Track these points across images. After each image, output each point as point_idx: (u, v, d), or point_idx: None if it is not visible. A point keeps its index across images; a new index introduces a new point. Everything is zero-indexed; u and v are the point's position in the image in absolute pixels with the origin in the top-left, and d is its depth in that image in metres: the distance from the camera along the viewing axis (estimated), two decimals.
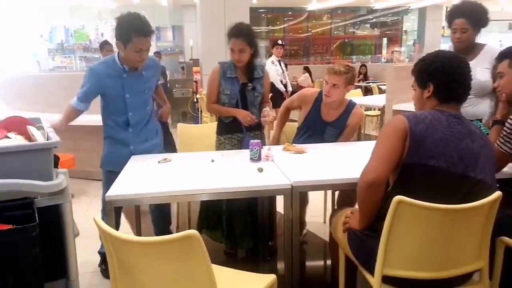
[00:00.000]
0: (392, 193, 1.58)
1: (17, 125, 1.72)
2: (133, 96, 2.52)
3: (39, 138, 1.59)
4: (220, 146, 2.89)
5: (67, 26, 17.80)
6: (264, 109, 2.76)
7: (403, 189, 1.55)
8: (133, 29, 2.31)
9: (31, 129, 1.64)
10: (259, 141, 2.40)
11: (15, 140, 1.59)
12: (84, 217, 3.35)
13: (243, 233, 2.83)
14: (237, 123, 2.78)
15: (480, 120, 2.55)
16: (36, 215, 1.43)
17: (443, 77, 1.66)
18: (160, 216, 2.82)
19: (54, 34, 17.87)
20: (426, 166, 1.56)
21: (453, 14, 2.60)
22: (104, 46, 6.07)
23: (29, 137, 1.66)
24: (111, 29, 18.40)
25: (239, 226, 2.82)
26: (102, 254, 2.72)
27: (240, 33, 2.65)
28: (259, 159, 2.37)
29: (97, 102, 2.62)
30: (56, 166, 1.72)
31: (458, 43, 2.60)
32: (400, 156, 1.60)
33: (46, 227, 1.50)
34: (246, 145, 2.59)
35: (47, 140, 1.62)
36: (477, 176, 1.58)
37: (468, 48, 2.60)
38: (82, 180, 4.61)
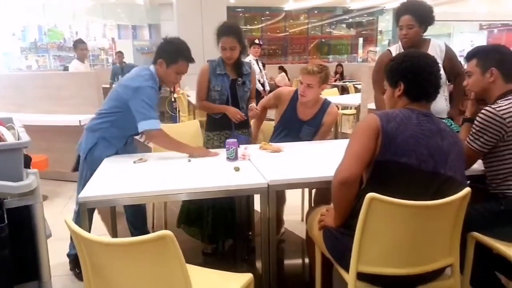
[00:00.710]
0: (365, 190, 1.61)
1: None
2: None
3: (9, 138, 1.55)
4: (208, 142, 2.95)
5: (40, 25, 17.39)
6: (251, 104, 2.88)
7: (376, 187, 1.58)
8: (182, 53, 2.46)
9: (1, 129, 1.60)
10: (235, 140, 2.41)
11: None
12: (58, 219, 3.26)
13: (224, 228, 2.84)
14: (227, 119, 2.85)
15: (451, 119, 2.62)
16: (5, 216, 1.39)
17: (413, 76, 1.70)
18: (136, 216, 2.78)
19: (27, 32, 17.43)
20: (397, 163, 1.60)
21: (399, 12, 2.69)
22: (78, 44, 5.97)
23: None
24: (85, 28, 18.12)
25: (220, 221, 2.82)
26: (72, 256, 2.67)
27: (231, 31, 2.75)
28: (235, 158, 2.37)
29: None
30: (27, 166, 1.68)
31: (405, 39, 2.68)
32: (373, 154, 1.63)
33: (16, 228, 1.47)
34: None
35: (18, 140, 1.58)
36: (447, 173, 1.62)
37: (415, 45, 2.68)
38: (56, 181, 4.52)
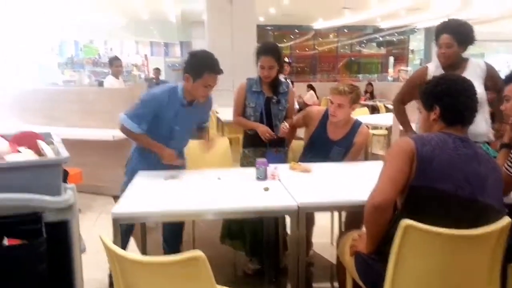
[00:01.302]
0: (399, 216, 1.57)
1: (28, 139, 1.74)
2: (182, 128, 2.60)
3: (49, 153, 1.60)
4: (244, 159, 3.01)
5: (76, 40, 18.09)
6: (282, 123, 2.91)
7: (410, 212, 1.54)
8: (206, 66, 2.43)
9: (42, 144, 1.66)
10: (265, 160, 2.41)
11: (26, 155, 1.60)
12: (90, 233, 3.33)
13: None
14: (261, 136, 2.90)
15: (489, 144, 2.54)
16: (44, 230, 1.43)
17: (449, 99, 1.66)
18: (172, 234, 2.81)
19: (63, 48, 18.16)
20: (433, 189, 1.55)
21: (439, 30, 2.64)
22: (114, 61, 6.16)
23: (39, 152, 1.68)
24: (120, 44, 18.73)
25: (260, 236, 2.84)
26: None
27: (270, 51, 2.83)
28: (265, 178, 2.37)
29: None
30: (65, 181, 1.73)
31: (444, 58, 2.63)
32: (407, 178, 1.60)
33: (52, 243, 1.50)
34: (269, 159, 2.68)
35: (57, 155, 1.63)
36: (485, 200, 1.56)
37: (453, 64, 2.63)
38: (89, 194, 4.62)
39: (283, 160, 2.94)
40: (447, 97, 1.67)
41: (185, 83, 2.49)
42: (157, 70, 10.14)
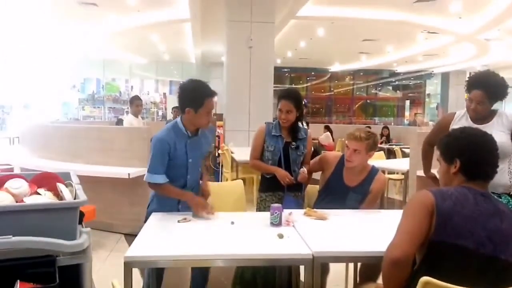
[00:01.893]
0: (418, 272, 1.52)
1: (48, 181, 1.77)
2: (194, 160, 2.61)
3: (67, 196, 1.62)
4: (261, 203, 3.00)
5: (99, 78, 18.70)
6: (302, 169, 2.92)
7: (429, 269, 1.49)
8: (204, 93, 2.48)
9: (60, 187, 1.68)
10: (280, 205, 2.39)
11: (44, 197, 1.62)
12: (99, 273, 3.32)
13: None
14: (279, 181, 2.90)
15: (510, 195, 2.48)
16: (57, 274, 1.42)
17: (470, 154, 1.65)
18: (199, 275, 2.77)
19: (86, 85, 18.76)
20: (453, 245, 1.51)
21: (472, 84, 2.59)
22: (135, 100, 6.29)
23: (58, 194, 1.70)
24: (140, 83, 19.26)
25: (272, 284, 2.78)
26: None
27: (289, 96, 2.90)
28: (279, 223, 2.34)
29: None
30: (80, 222, 1.74)
31: (474, 113, 2.60)
32: (427, 233, 1.56)
33: (65, 286, 1.49)
34: (287, 204, 2.71)
35: (75, 197, 1.65)
36: (508, 259, 1.51)
37: (483, 117, 2.62)
38: (101, 231, 4.61)
39: (301, 205, 2.92)
40: (468, 152, 1.65)
41: (185, 116, 2.52)
42: (177, 109, 10.27)
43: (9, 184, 1.64)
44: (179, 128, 2.56)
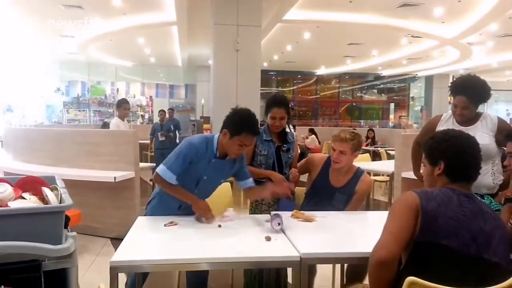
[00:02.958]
0: (404, 272, 1.55)
1: (33, 185, 1.75)
2: (209, 178, 2.58)
3: (53, 201, 1.60)
4: (257, 207, 3.01)
5: (84, 81, 18.51)
6: (292, 169, 2.98)
7: (415, 269, 1.52)
8: (247, 126, 2.44)
9: (46, 191, 1.66)
10: (278, 213, 2.37)
11: (29, 201, 1.60)
12: (85, 277, 3.28)
13: None
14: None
15: (491, 196, 2.53)
16: (43, 279, 1.41)
17: (454, 156, 1.68)
18: (196, 283, 2.73)
19: (71, 88, 18.55)
20: (438, 245, 1.54)
21: (456, 90, 2.64)
22: (123, 104, 6.23)
23: (43, 198, 1.68)
24: (126, 86, 19.13)
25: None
26: None
27: (281, 103, 2.95)
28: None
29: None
30: (66, 226, 1.72)
31: (460, 118, 2.65)
32: (412, 234, 1.58)
33: None
34: (282, 206, 2.77)
35: (60, 202, 1.63)
36: (491, 259, 1.54)
37: (468, 120, 2.66)
38: (86, 236, 4.56)
39: (294, 207, 2.93)
40: (451, 154, 1.68)
41: (222, 137, 2.50)
42: (171, 111, 10.23)
43: None
44: (212, 143, 2.54)
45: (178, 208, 2.60)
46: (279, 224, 2.25)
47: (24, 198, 1.63)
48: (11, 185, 1.71)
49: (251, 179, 2.69)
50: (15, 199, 1.62)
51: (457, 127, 2.58)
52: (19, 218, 1.45)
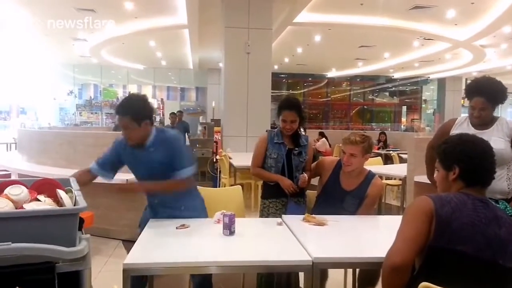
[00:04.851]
0: (418, 277, 1.53)
1: (48, 187, 1.77)
2: (139, 169, 2.62)
3: (67, 203, 1.61)
4: (264, 210, 3.03)
5: (96, 84, 18.72)
6: (302, 174, 2.94)
7: (429, 275, 1.50)
8: (116, 107, 2.51)
9: (60, 193, 1.68)
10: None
11: (43, 204, 1.62)
12: (97, 280, 3.30)
13: None
14: (282, 188, 2.94)
15: (507, 200, 2.50)
16: (56, 281, 1.42)
17: (469, 161, 1.66)
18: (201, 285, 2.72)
19: (84, 91, 18.77)
20: (453, 251, 1.52)
21: (472, 92, 2.60)
22: None
23: (57, 200, 1.70)
24: (137, 88, 19.30)
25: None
26: None
27: (292, 106, 2.94)
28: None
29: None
30: (80, 228, 1.74)
31: (478, 120, 2.62)
32: (426, 239, 1.56)
33: None
34: (290, 210, 2.80)
35: (75, 204, 1.64)
36: (506, 264, 1.51)
37: (485, 123, 2.62)
38: (99, 237, 4.59)
39: (304, 211, 2.92)
40: (466, 159, 1.66)
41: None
42: (173, 115, 10.29)
43: (8, 190, 1.64)
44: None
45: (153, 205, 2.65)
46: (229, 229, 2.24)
47: (39, 200, 1.65)
48: (27, 187, 1.73)
49: (181, 172, 2.50)
50: (31, 201, 1.64)
51: (472, 130, 2.55)
52: (34, 220, 1.46)
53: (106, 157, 2.60)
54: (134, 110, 2.42)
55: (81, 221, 1.78)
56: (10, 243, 1.38)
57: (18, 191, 1.64)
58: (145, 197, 2.71)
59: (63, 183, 1.89)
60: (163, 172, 2.50)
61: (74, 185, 1.90)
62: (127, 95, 2.69)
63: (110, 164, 2.60)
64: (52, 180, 1.82)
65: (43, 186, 1.77)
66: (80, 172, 2.56)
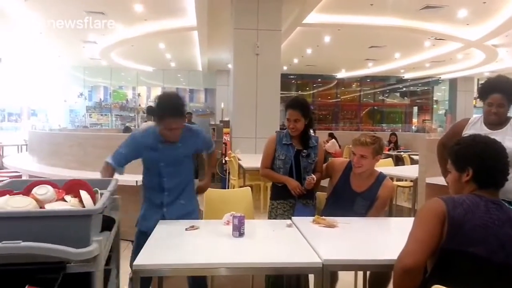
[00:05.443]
0: (430, 280, 1.51)
1: (77, 188, 1.80)
2: (166, 164, 2.64)
3: (87, 204, 1.64)
4: (272, 211, 3.02)
5: (106, 86, 18.87)
6: (310, 176, 2.90)
7: (441, 277, 1.48)
8: (165, 110, 2.50)
9: (83, 194, 1.72)
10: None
11: (67, 204, 1.65)
12: None
13: None
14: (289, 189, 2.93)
15: None
16: (63, 281, 1.42)
17: (483, 163, 1.63)
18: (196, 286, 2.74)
19: (94, 93, 18.93)
20: (465, 253, 1.49)
21: (490, 89, 2.60)
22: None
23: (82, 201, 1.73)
24: (146, 90, 19.43)
25: None
26: None
27: (296, 105, 2.92)
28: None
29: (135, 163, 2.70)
30: (109, 228, 1.81)
31: (495, 117, 2.59)
32: (438, 241, 1.54)
33: None
34: (298, 211, 2.79)
35: (94, 205, 1.66)
36: None
37: (501, 122, 2.61)
38: None
39: (312, 212, 2.90)
40: (479, 160, 1.64)
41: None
42: (189, 115, 10.32)
43: (36, 190, 1.69)
44: (154, 132, 2.65)
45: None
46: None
47: (65, 200, 1.68)
48: (58, 188, 1.79)
49: (211, 148, 2.95)
50: (57, 201, 1.68)
51: (486, 130, 2.53)
52: (46, 220, 1.49)
53: (121, 153, 2.63)
54: (185, 109, 2.61)
55: (111, 221, 1.82)
56: (20, 242, 1.40)
57: (44, 191, 1.69)
58: (154, 195, 2.73)
59: (100, 185, 1.96)
60: (186, 164, 2.73)
61: (112, 187, 1.99)
62: (166, 94, 2.71)
63: (125, 160, 2.65)
64: (81, 181, 1.86)
65: (73, 187, 1.81)
66: (109, 171, 2.61)
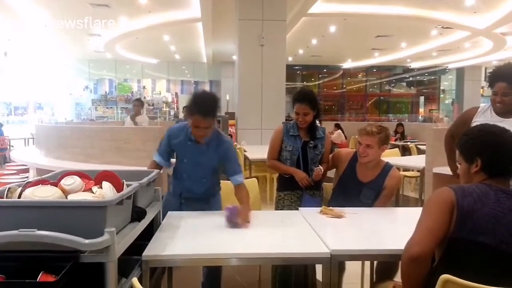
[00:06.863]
0: (438, 269, 1.50)
1: (105, 179, 1.82)
2: (188, 162, 2.70)
3: (107, 196, 1.66)
4: (279, 202, 3.03)
5: (111, 79, 18.90)
6: (317, 167, 2.91)
7: (449, 266, 1.47)
8: (196, 107, 2.50)
9: (104, 185, 1.75)
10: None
11: (93, 195, 1.67)
12: None
13: None
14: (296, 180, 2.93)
15: None
16: (64, 270, 1.44)
17: (492, 152, 1.62)
18: (211, 280, 2.77)
19: (99, 86, 18.98)
20: (474, 242, 1.48)
21: (495, 77, 2.60)
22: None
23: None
24: (151, 82, 19.45)
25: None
26: None
27: (305, 99, 2.90)
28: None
29: None
30: (139, 219, 1.86)
31: (500, 105, 2.59)
32: (447, 230, 1.53)
33: (87, 283, 1.52)
34: (305, 202, 2.79)
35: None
36: None
37: (508, 110, 2.60)
38: None
39: (319, 203, 2.91)
40: (488, 150, 1.62)
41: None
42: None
43: (63, 180, 1.72)
44: (187, 128, 2.68)
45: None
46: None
47: (92, 191, 1.70)
48: (89, 179, 1.82)
49: (237, 177, 2.67)
50: (84, 191, 1.71)
51: (495, 118, 2.53)
52: (62, 210, 1.52)
53: (161, 148, 2.75)
54: (216, 110, 2.58)
55: (142, 212, 1.89)
56: (35, 230, 1.43)
57: (70, 181, 1.72)
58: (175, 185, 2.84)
59: (138, 176, 2.03)
60: (207, 170, 2.72)
61: (147, 179, 2.03)
62: (202, 92, 2.74)
63: (166, 154, 2.75)
64: (111, 172, 1.88)
65: (104, 178, 1.82)
66: (153, 166, 2.73)
